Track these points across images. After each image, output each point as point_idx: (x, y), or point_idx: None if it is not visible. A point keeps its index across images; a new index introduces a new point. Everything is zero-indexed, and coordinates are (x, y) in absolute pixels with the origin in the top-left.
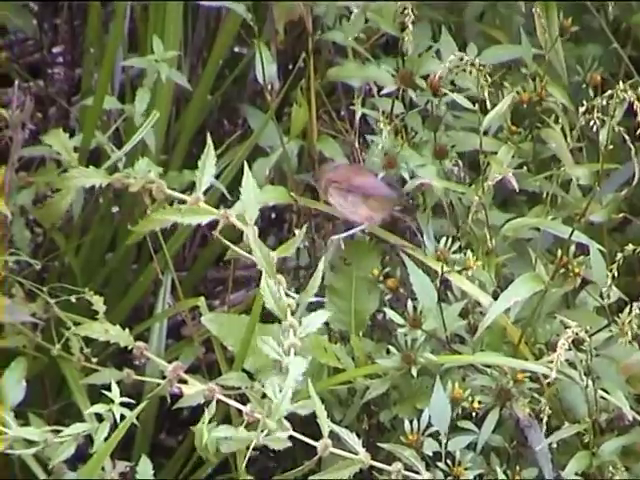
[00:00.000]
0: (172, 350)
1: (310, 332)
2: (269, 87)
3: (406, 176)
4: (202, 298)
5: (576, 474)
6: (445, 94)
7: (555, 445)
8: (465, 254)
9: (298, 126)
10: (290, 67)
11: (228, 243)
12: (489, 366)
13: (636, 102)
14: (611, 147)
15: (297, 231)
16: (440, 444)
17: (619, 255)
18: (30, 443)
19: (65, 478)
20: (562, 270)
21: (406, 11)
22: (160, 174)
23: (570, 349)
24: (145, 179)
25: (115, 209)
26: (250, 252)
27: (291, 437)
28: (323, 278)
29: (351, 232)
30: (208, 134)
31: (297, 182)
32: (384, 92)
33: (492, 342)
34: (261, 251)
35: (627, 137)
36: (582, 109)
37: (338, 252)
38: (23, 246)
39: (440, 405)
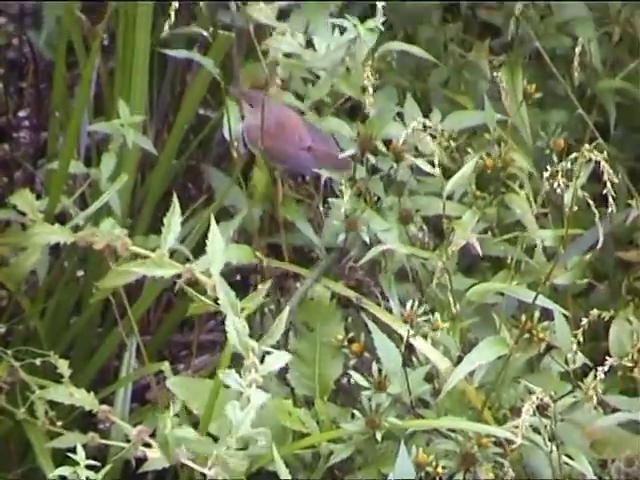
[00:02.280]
0: (137, 414)
1: (271, 371)
2: (235, 148)
3: (367, 239)
4: (167, 362)
5: None
6: (408, 159)
7: None
8: (430, 318)
9: (261, 188)
10: None
11: (193, 292)
12: (453, 430)
13: (602, 162)
14: (576, 209)
15: (261, 286)
16: None
17: (584, 320)
18: None
19: None
20: (526, 335)
21: (368, 75)
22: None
23: (534, 414)
24: (110, 236)
25: (80, 273)
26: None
27: None
28: (288, 342)
29: None
30: (174, 195)
31: (261, 243)
32: (343, 155)
33: (456, 406)
34: (226, 294)
35: (591, 202)
36: (546, 174)
37: (301, 316)
38: None
39: (404, 470)
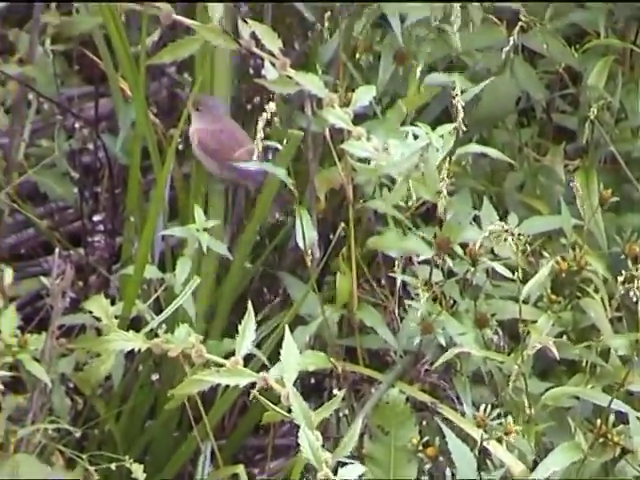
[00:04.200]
0: None
1: None
2: (309, 255)
3: (443, 342)
4: (241, 466)
5: None
6: (484, 262)
7: None
8: (504, 421)
9: (343, 295)
10: (330, 236)
11: (267, 402)
12: None
13: None
14: None
15: (336, 392)
16: None
17: None
18: None
19: None
20: (601, 439)
21: (444, 179)
22: (200, 341)
23: None
24: (184, 344)
25: (155, 377)
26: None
27: None
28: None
29: None
30: (249, 301)
31: (336, 348)
32: (421, 259)
33: None
34: (299, 406)
35: None
36: (621, 279)
37: (376, 419)
38: (63, 414)
39: None
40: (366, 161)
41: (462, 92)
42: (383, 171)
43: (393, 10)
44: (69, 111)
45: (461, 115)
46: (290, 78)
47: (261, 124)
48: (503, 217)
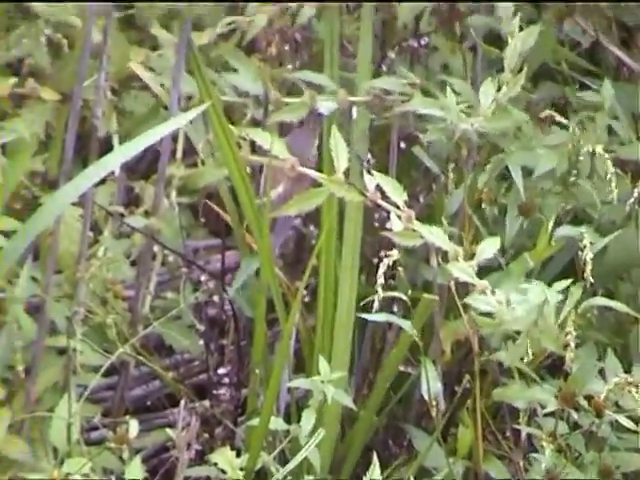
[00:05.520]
0: None
1: None
2: (434, 406)
3: None
4: None
5: None
6: (609, 414)
7: None
8: None
9: (464, 447)
10: (455, 387)
11: None
12: None
13: None
14: None
15: None
16: None
17: None
18: None
19: None
20: None
21: (570, 332)
22: None
23: None
24: None
25: None
26: None
27: None
28: None
29: None
30: (374, 454)
31: None
32: (545, 411)
33: None
34: None
35: None
36: None
37: None
38: None
39: None
40: (490, 314)
41: (591, 245)
42: (505, 326)
43: (516, 162)
44: (194, 264)
45: (589, 268)
46: (415, 231)
47: (381, 270)
48: (628, 369)
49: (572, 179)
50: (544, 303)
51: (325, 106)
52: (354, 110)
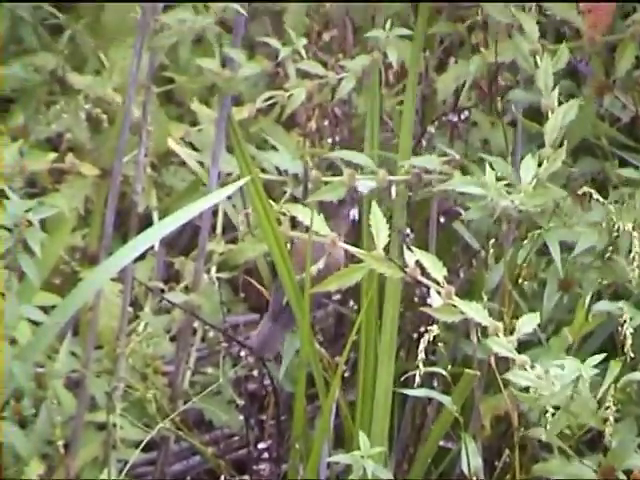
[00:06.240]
0: None
1: None
2: None
3: None
4: None
5: None
6: None
7: None
8: None
9: None
10: (495, 462)
11: None
12: None
13: None
14: None
15: None
16: None
17: None
18: None
19: None
20: None
21: (609, 407)
22: None
23: None
24: None
25: None
26: None
27: None
28: None
29: None
30: None
31: None
32: None
33: None
34: None
35: None
36: None
37: None
38: None
39: None
40: (529, 388)
41: (630, 320)
42: (543, 401)
43: (555, 239)
44: (234, 339)
45: (629, 342)
46: (455, 306)
47: (422, 346)
48: None
49: (609, 255)
50: (579, 378)
51: (364, 185)
52: (393, 187)
